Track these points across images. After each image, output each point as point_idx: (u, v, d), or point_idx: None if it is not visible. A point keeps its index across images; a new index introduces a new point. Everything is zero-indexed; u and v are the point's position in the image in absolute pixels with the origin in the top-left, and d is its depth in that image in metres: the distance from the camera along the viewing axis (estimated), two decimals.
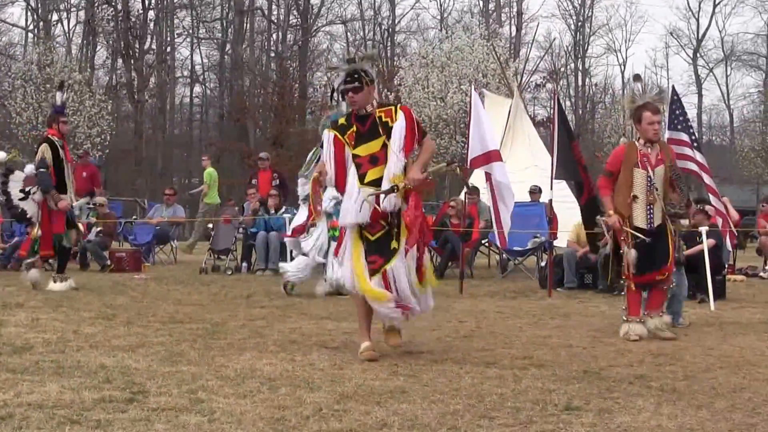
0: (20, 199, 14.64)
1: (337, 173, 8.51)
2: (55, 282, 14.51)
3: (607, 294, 15.12)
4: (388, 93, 39.57)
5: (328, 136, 8.57)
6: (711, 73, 70.78)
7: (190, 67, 70.21)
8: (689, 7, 71.42)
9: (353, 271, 8.43)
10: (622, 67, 73.03)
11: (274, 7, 68.09)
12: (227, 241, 20.77)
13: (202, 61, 70.43)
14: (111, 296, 13.91)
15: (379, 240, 8.39)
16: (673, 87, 16.65)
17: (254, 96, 61.24)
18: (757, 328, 11.23)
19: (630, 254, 10.04)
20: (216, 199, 25.70)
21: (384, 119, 8.44)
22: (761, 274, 20.13)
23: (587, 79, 71.12)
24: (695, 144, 14.49)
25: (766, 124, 50.99)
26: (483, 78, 39.80)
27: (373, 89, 8.98)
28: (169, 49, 64.65)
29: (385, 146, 8.36)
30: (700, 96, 69.69)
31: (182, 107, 71.82)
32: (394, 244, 8.35)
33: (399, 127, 8.37)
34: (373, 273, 8.33)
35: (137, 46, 61.88)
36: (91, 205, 17.00)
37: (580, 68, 70.82)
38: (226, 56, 66.93)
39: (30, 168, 14.95)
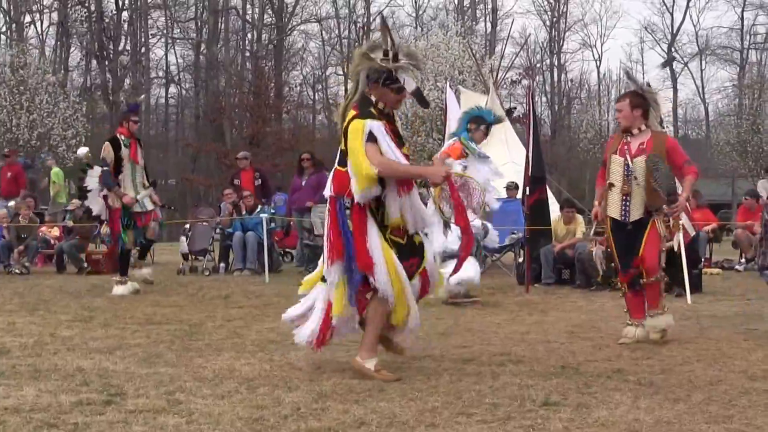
0: (81, 197, 15.14)
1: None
2: (117, 286, 14.53)
3: (584, 289, 15.19)
4: None
5: (378, 125, 7.34)
6: (686, 67, 71.05)
7: (165, 68, 70.08)
8: (663, 2, 71.64)
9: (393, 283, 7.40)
10: (598, 62, 73.63)
11: (248, 6, 68.03)
12: (204, 242, 20.72)
13: (177, 61, 70.35)
14: (88, 298, 13.89)
15: (410, 241, 7.61)
16: (648, 83, 16.65)
17: (230, 96, 61.13)
18: (733, 320, 11.28)
19: (597, 251, 9.95)
20: (64, 199, 25.39)
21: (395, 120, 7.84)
22: (737, 267, 20.20)
23: (563, 75, 71.30)
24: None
25: (741, 117, 51.14)
26: (459, 75, 39.78)
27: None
28: (143, 49, 64.51)
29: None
30: (675, 90, 69.92)
31: (158, 108, 71.61)
32: (417, 239, 7.70)
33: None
34: (411, 276, 7.57)
35: (111, 47, 61.77)
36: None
37: (556, 64, 70.98)
38: (201, 56, 66.74)
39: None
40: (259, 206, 19.52)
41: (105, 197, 14.35)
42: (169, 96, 72.29)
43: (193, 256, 20.65)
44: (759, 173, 36.54)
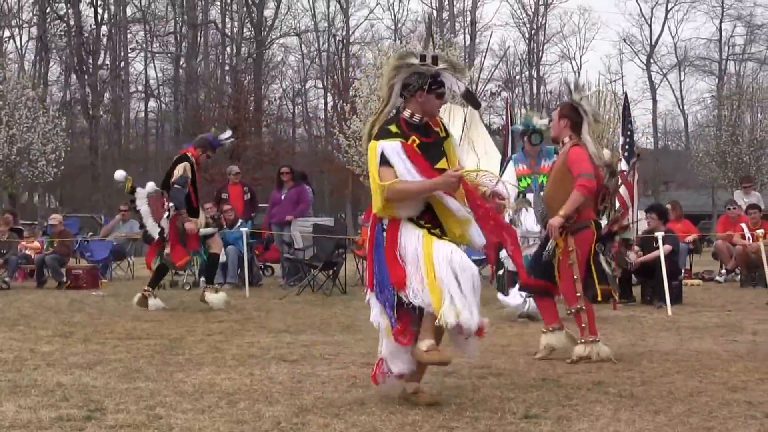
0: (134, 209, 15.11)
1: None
2: (151, 299, 14.40)
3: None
4: (344, 104, 39.58)
5: (392, 146, 6.74)
6: (665, 79, 71.32)
7: (144, 82, 70.04)
8: (642, 14, 72.09)
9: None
10: (577, 74, 73.28)
11: (227, 20, 68.09)
12: None
13: (156, 75, 70.31)
14: (68, 313, 13.84)
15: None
16: (626, 94, 16.81)
17: (209, 109, 61.03)
18: (713, 332, 11.30)
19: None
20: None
21: (436, 128, 7.06)
22: (717, 278, 20.26)
23: (542, 87, 71.47)
24: (627, 147, 14.71)
25: (720, 128, 51.27)
26: None
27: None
28: (122, 64, 64.43)
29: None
30: (655, 102, 70.22)
31: (137, 122, 71.57)
32: None
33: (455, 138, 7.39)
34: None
35: (91, 61, 61.61)
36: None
37: (535, 76, 71.17)
38: (180, 70, 66.72)
39: (151, 185, 14.78)
40: (248, 221, 19.58)
41: (174, 216, 14.24)
42: (149, 110, 72.36)
43: (174, 271, 20.59)
44: (738, 184, 36.68)
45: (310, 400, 6.95)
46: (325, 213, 50.57)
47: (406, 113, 6.90)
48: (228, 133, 15.62)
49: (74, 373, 8.19)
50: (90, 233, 23.35)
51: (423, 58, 6.88)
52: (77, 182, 59.18)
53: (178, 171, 14.18)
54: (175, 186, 14.05)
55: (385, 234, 6.87)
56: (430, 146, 6.88)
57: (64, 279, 19.41)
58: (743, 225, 19.62)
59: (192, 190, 14.21)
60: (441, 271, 6.60)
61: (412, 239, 6.75)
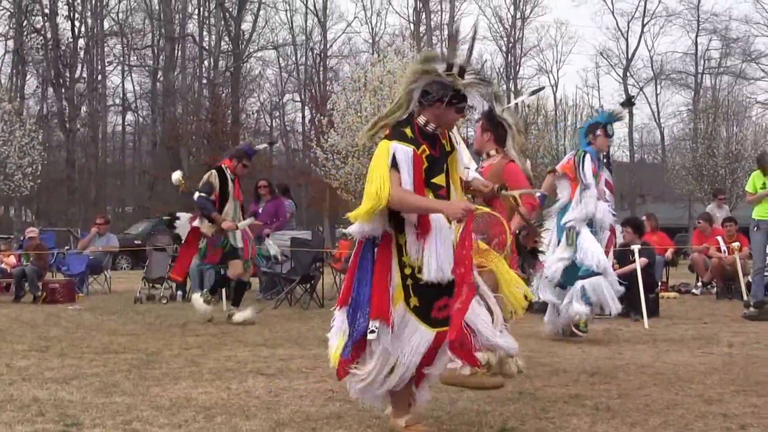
0: (169, 225, 15.16)
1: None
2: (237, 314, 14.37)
3: (541, 314, 15.20)
4: (321, 117, 39.55)
5: (405, 151, 6.19)
6: (641, 92, 71.53)
7: (121, 95, 69.91)
8: (618, 28, 72.21)
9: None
10: (554, 87, 73.61)
11: (205, 33, 67.99)
12: (161, 270, 20.61)
13: (133, 88, 70.19)
14: (44, 328, 13.77)
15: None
16: (602, 107, 16.86)
17: (187, 123, 60.91)
18: (689, 344, 11.35)
19: None
20: None
21: (443, 141, 6.48)
22: (693, 290, 20.35)
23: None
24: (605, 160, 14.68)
25: (697, 141, 51.46)
26: None
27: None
28: (100, 77, 64.24)
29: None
30: (631, 115, 70.34)
31: (114, 135, 71.40)
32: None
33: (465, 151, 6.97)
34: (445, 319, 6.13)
35: (68, 74, 61.42)
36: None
37: (512, 89, 71.25)
38: (157, 83, 66.63)
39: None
40: None
41: (194, 230, 14.33)
42: (126, 123, 72.24)
43: (151, 284, 20.54)
44: (714, 197, 36.74)
45: (287, 414, 6.94)
46: (303, 226, 50.42)
47: (421, 120, 6.36)
48: (264, 144, 15.70)
49: (50, 388, 8.16)
50: (66, 247, 23.24)
51: (450, 66, 6.31)
52: (54, 196, 59.01)
53: (204, 179, 14.37)
54: (200, 194, 14.18)
55: (376, 251, 6.27)
56: (436, 159, 6.34)
57: (40, 293, 19.32)
58: (719, 238, 19.72)
59: (219, 197, 14.26)
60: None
61: (393, 280, 6.19)
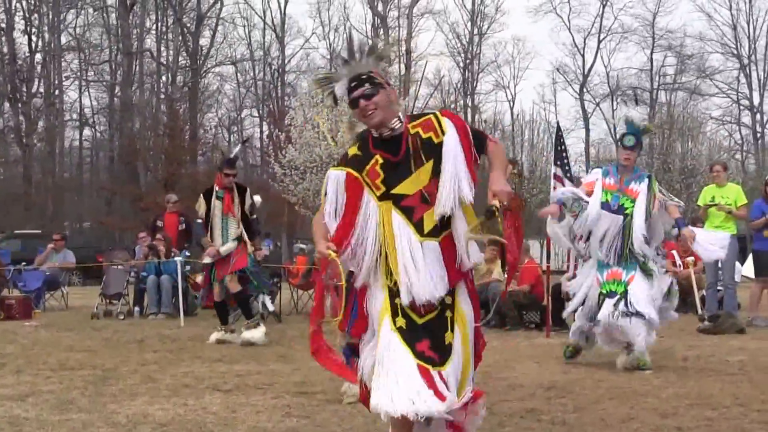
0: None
1: (343, 227, 5.55)
2: (248, 329, 13.92)
3: (498, 329, 15.31)
4: (279, 133, 39.50)
5: (336, 175, 5.64)
6: (598, 108, 71.93)
7: (79, 110, 69.48)
8: (575, 44, 72.45)
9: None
10: (511, 103, 73.81)
11: (163, 49, 67.77)
12: (119, 286, 20.54)
13: (91, 103, 69.74)
14: (0, 345, 13.70)
15: (429, 325, 5.50)
16: (558, 123, 16.97)
17: (145, 138, 60.68)
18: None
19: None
20: None
21: (425, 135, 5.60)
22: None
23: (477, 116, 71.73)
24: (568, 175, 14.77)
25: (653, 157, 51.74)
26: None
27: (394, 93, 5.89)
28: (57, 92, 63.89)
29: (437, 175, 5.50)
30: (587, 130, 70.74)
31: (72, 150, 70.95)
32: (449, 337, 5.48)
33: (452, 144, 5.58)
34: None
35: (24, 89, 61.08)
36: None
37: (470, 105, 71.44)
38: (115, 99, 66.30)
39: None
40: (182, 251, 19.53)
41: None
42: (84, 138, 71.76)
43: (108, 300, 20.46)
44: None
45: (244, 430, 6.96)
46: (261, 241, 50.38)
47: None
48: (238, 146, 15.74)
49: (5, 405, 8.13)
50: (23, 263, 23.08)
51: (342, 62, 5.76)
52: (10, 211, 58.59)
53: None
54: (196, 221, 14.58)
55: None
56: (395, 165, 5.55)
57: None
58: (674, 252, 19.85)
59: (204, 220, 14.25)
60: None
61: (378, 298, 5.58)
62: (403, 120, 5.64)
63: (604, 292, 10.50)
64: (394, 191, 5.52)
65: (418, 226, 5.50)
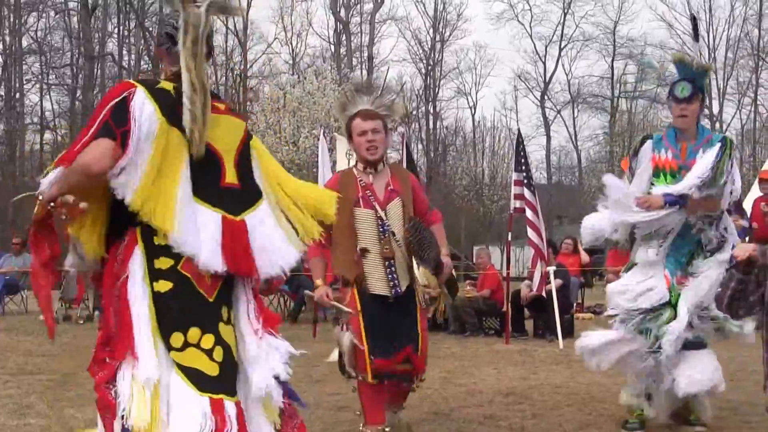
0: None
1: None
2: None
3: (458, 335, 15.37)
4: None
5: None
6: (559, 115, 72.22)
7: (40, 114, 69.11)
8: (536, 51, 72.78)
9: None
10: (473, 109, 73.99)
11: (125, 52, 67.57)
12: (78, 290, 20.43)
13: (52, 107, 69.38)
14: None
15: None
16: (519, 130, 17.04)
17: None
18: None
19: (343, 339, 6.88)
20: None
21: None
22: (608, 311, 20.53)
23: (438, 122, 71.88)
24: (527, 181, 14.81)
25: (613, 164, 52.06)
26: (335, 122, 39.98)
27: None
28: (18, 95, 63.55)
29: None
30: (548, 138, 71.02)
31: (33, 154, 70.56)
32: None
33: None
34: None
35: None
36: None
37: (431, 111, 71.55)
38: (77, 102, 66.01)
39: None
40: None
41: None
42: (44, 142, 71.34)
43: (67, 305, 20.36)
44: None
45: None
46: None
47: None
48: None
49: None
50: None
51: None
52: None
53: None
54: None
55: None
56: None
57: None
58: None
59: None
60: None
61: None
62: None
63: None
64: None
65: None
